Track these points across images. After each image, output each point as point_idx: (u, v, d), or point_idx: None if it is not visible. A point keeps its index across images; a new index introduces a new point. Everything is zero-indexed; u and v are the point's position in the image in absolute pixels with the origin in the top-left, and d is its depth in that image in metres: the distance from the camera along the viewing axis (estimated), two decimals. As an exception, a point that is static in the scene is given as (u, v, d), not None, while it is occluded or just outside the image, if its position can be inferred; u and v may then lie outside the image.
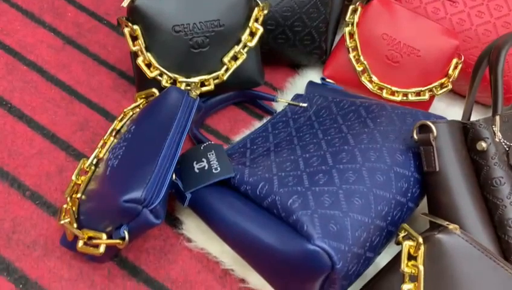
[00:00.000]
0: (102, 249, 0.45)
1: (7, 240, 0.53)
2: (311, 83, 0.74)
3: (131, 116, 0.57)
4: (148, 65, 0.64)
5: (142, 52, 0.63)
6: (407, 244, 0.46)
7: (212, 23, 0.63)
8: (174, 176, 0.52)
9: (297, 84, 0.79)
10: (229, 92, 0.71)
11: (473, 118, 0.55)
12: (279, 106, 0.74)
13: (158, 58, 0.64)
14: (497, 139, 0.51)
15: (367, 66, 0.75)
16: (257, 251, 0.47)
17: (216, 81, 0.66)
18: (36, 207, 0.56)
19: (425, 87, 0.75)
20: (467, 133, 0.53)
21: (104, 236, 0.45)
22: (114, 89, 0.71)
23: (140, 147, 0.47)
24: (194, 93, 0.52)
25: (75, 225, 0.48)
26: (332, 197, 0.47)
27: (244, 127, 0.71)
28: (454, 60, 0.75)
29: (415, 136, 0.53)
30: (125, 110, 0.57)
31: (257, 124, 0.72)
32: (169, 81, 0.64)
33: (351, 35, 0.76)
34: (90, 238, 0.46)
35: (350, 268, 0.44)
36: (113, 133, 0.56)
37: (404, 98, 0.76)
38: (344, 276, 0.44)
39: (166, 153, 0.46)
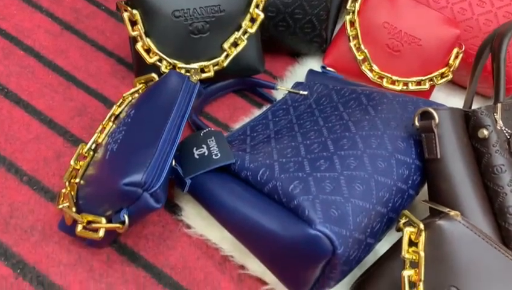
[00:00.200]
0: (101, 233, 0.44)
1: (5, 225, 0.52)
2: (311, 72, 0.74)
3: (130, 101, 0.57)
4: (148, 50, 0.63)
5: (141, 37, 0.62)
6: (408, 230, 0.46)
7: (213, 8, 0.63)
8: (173, 162, 0.51)
9: (297, 72, 0.79)
10: (228, 79, 0.71)
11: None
12: (279, 94, 0.73)
13: (157, 44, 0.63)
14: (498, 127, 0.51)
15: (367, 55, 0.75)
16: (258, 237, 0.47)
17: (216, 67, 0.66)
18: (34, 192, 0.55)
19: (426, 77, 0.75)
20: (468, 121, 0.53)
21: (104, 220, 0.45)
22: (112, 75, 0.70)
23: (140, 131, 0.46)
24: (195, 78, 0.51)
25: (74, 209, 0.47)
26: (334, 183, 0.46)
27: (244, 115, 0.71)
28: (455, 50, 0.74)
29: (417, 123, 0.52)
30: (124, 95, 0.56)
31: (257, 112, 0.71)
32: (168, 67, 0.63)
33: (352, 23, 0.76)
34: (89, 222, 0.46)
35: (351, 253, 0.44)
36: (112, 119, 0.56)
37: (405, 87, 0.75)
38: (345, 261, 0.44)
39: (166, 137, 0.45)
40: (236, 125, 0.69)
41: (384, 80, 0.75)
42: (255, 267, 0.53)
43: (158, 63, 0.63)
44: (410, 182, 0.51)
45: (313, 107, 0.63)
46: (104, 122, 0.55)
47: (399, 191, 0.50)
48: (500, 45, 0.54)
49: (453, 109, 0.52)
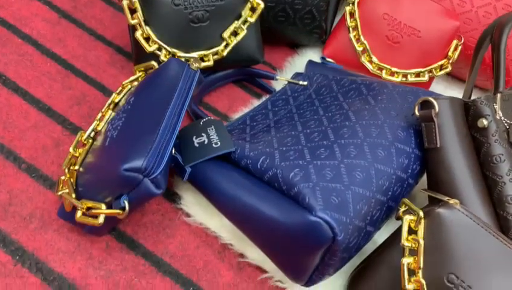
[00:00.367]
0: (101, 219, 0.44)
1: (3, 212, 0.52)
2: (311, 62, 0.73)
3: (130, 89, 0.57)
4: (147, 39, 0.63)
5: (140, 25, 0.62)
6: (407, 218, 0.46)
7: (213, -3, 0.62)
8: (173, 150, 0.51)
9: (297, 63, 0.79)
10: (228, 69, 0.70)
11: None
12: (278, 85, 0.73)
13: (157, 32, 0.62)
14: (497, 117, 0.51)
15: (367, 46, 0.75)
16: (258, 224, 0.47)
17: (215, 57, 0.65)
18: (32, 180, 0.55)
19: (425, 68, 0.75)
20: (468, 111, 0.53)
21: (104, 206, 0.45)
22: (111, 65, 0.70)
23: (141, 118, 0.46)
24: (195, 65, 0.51)
25: (73, 195, 0.47)
26: (334, 171, 0.46)
27: (243, 106, 0.71)
28: (455, 42, 0.74)
29: (417, 113, 0.52)
30: (123, 83, 0.56)
31: (256, 103, 0.71)
32: (167, 56, 0.63)
33: (352, 14, 0.76)
34: (88, 208, 0.45)
35: (351, 241, 0.44)
36: (111, 106, 0.55)
37: (404, 79, 0.75)
38: (345, 248, 0.44)
39: (167, 123, 0.45)
40: (236, 116, 0.69)
41: (384, 71, 0.75)
42: (255, 255, 0.54)
43: (157, 52, 0.63)
44: (409, 171, 0.52)
45: (313, 97, 0.63)
46: (103, 110, 0.55)
47: (398, 180, 0.50)
48: (500, 35, 0.54)
49: (453, 99, 0.52)
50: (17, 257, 0.49)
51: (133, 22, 0.61)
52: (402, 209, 0.48)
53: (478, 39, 0.58)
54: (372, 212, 0.47)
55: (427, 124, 0.52)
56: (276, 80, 0.71)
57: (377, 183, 0.47)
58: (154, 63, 0.58)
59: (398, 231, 0.49)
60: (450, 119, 0.51)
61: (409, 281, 0.45)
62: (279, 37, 0.79)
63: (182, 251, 0.54)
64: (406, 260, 0.45)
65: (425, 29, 0.73)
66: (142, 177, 0.43)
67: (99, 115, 0.55)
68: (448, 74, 0.84)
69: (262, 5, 0.64)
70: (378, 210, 0.48)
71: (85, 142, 0.53)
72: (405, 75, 0.75)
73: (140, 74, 0.57)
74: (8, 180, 0.55)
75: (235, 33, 0.65)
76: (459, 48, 0.74)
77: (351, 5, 0.75)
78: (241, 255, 0.54)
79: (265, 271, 0.53)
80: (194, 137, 0.55)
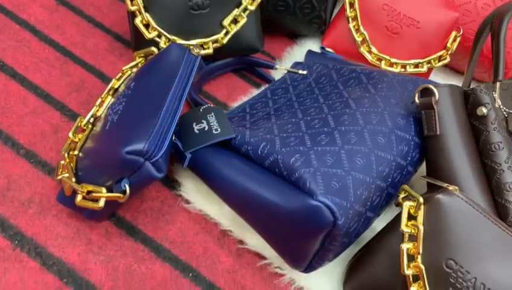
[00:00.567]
0: (102, 203, 0.44)
1: (2, 197, 0.52)
2: (310, 52, 0.73)
3: (130, 75, 0.56)
4: (147, 26, 0.62)
5: (140, 12, 0.61)
6: (407, 204, 0.46)
7: (213, -16, 0.62)
8: (173, 136, 0.51)
9: (296, 53, 0.78)
10: (227, 58, 0.70)
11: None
12: (277, 74, 0.73)
13: (156, 19, 0.62)
14: (496, 105, 0.52)
15: (366, 37, 0.75)
16: (258, 210, 0.47)
17: (215, 44, 0.65)
18: (31, 165, 0.55)
19: (424, 59, 0.75)
20: (467, 99, 0.53)
21: (104, 190, 0.44)
22: (110, 52, 0.70)
23: (142, 102, 0.46)
24: (196, 50, 0.51)
25: (73, 180, 0.47)
26: (334, 157, 0.47)
27: (242, 95, 0.71)
28: (453, 33, 0.75)
29: (417, 100, 0.53)
30: (123, 68, 0.55)
31: (255, 92, 0.71)
32: (167, 43, 0.63)
33: (351, 4, 0.76)
34: (89, 192, 0.45)
35: (351, 225, 0.45)
36: (111, 92, 0.55)
37: (402, 69, 0.76)
38: (345, 233, 0.44)
39: (168, 107, 0.45)
40: (235, 105, 0.69)
41: (383, 62, 0.75)
42: (254, 242, 0.54)
43: (157, 39, 0.63)
44: (409, 158, 0.52)
45: (313, 86, 0.63)
46: (102, 96, 0.54)
47: (398, 167, 0.50)
48: (500, 24, 0.54)
49: (453, 87, 0.52)
50: (16, 242, 0.49)
51: (132, 8, 0.61)
52: (402, 195, 0.48)
53: (478, 28, 0.59)
54: (372, 198, 0.47)
55: (427, 111, 0.52)
56: (276, 69, 0.71)
57: (377, 169, 0.48)
58: (154, 49, 0.57)
59: (397, 218, 0.49)
60: (449, 107, 0.52)
61: (408, 266, 0.45)
62: (279, 26, 0.79)
63: (182, 237, 0.54)
64: (406, 246, 0.45)
65: (424, 20, 0.74)
66: (144, 160, 0.43)
67: (99, 100, 0.54)
68: (446, 66, 0.85)
69: (262, -7, 0.64)
70: (378, 196, 0.48)
71: (84, 127, 0.53)
72: (404, 66, 0.75)
73: (140, 59, 0.57)
74: (7, 165, 0.54)
75: (235, 21, 0.65)
76: (458, 39, 0.75)
77: (350, -5, 0.75)
78: (241, 242, 0.54)
79: (264, 258, 0.54)
80: (194, 124, 0.54)
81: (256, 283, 0.52)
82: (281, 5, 0.74)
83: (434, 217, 0.45)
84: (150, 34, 0.62)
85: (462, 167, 0.51)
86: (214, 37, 0.64)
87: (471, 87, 0.58)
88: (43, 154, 0.56)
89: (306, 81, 0.66)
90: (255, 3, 0.65)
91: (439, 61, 0.75)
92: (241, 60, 0.71)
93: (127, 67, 0.56)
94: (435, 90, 0.51)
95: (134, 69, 0.57)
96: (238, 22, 0.65)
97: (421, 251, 0.45)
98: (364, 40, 0.76)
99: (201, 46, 0.64)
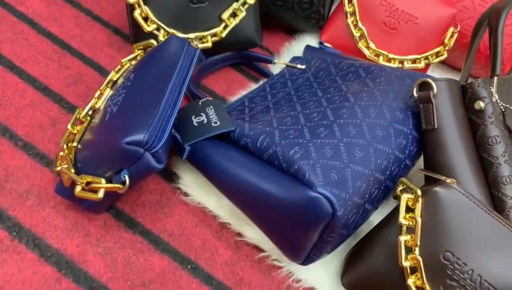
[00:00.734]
0: (101, 193, 0.44)
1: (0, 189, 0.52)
2: (309, 47, 0.74)
3: (128, 68, 0.56)
4: (145, 19, 0.62)
5: (139, 4, 0.61)
6: (405, 197, 0.47)
7: (212, -23, 0.62)
8: (172, 129, 0.51)
9: (294, 49, 0.79)
10: (226, 52, 0.70)
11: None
12: (275, 69, 0.73)
13: (155, 12, 0.62)
14: (494, 100, 0.52)
15: (365, 32, 0.75)
16: (258, 202, 0.47)
17: (214, 38, 0.65)
18: (29, 157, 0.55)
19: (421, 55, 0.75)
20: (465, 94, 0.54)
21: (103, 181, 0.44)
22: (108, 45, 0.69)
23: (141, 93, 0.46)
24: (196, 43, 0.51)
25: (72, 171, 0.47)
26: (333, 149, 0.47)
27: (241, 89, 0.71)
28: (451, 29, 0.75)
29: (415, 94, 0.53)
30: (122, 61, 0.55)
31: (253, 86, 0.71)
32: (166, 36, 0.63)
33: (350, 0, 0.76)
34: (88, 183, 0.45)
35: (350, 217, 0.45)
36: (110, 85, 0.55)
37: (400, 65, 0.76)
38: (344, 224, 0.44)
39: (168, 98, 0.45)
40: (233, 99, 0.69)
41: (381, 57, 0.76)
42: (252, 235, 0.54)
43: (156, 32, 0.62)
44: (407, 151, 0.52)
45: (311, 80, 0.63)
46: (101, 88, 0.54)
47: (396, 160, 0.51)
48: (498, 19, 0.55)
49: (451, 80, 0.53)
50: (14, 233, 0.49)
51: (131, 1, 0.61)
52: (400, 188, 0.49)
53: (476, 23, 0.59)
54: (371, 190, 0.47)
55: (425, 105, 0.52)
56: (274, 63, 0.71)
57: (375, 162, 0.48)
58: (153, 41, 0.57)
59: (395, 211, 0.49)
60: (447, 101, 0.52)
61: (406, 258, 0.46)
62: (277, 21, 0.79)
63: (180, 229, 0.54)
64: (403, 238, 0.46)
65: (422, 16, 0.74)
66: (143, 151, 0.42)
67: (98, 93, 0.54)
68: (443, 63, 0.85)
69: (261, -13, 0.64)
70: (376, 189, 0.48)
71: (83, 119, 0.53)
72: (401, 62, 0.76)
73: (139, 52, 0.56)
74: (5, 157, 0.54)
75: (234, 15, 0.65)
76: (455, 35, 0.75)
77: (349, -10, 0.76)
78: (239, 235, 0.54)
79: (262, 250, 0.54)
80: (193, 117, 0.54)
81: (254, 275, 0.52)
82: (279, 0, 0.74)
83: (432, 210, 0.46)
84: (148, 27, 0.62)
85: (459, 160, 0.52)
86: (213, 31, 0.64)
87: (468, 81, 0.58)
88: (41, 146, 0.56)
89: (304, 75, 0.66)
90: (254, -3, 0.65)
91: (436, 57, 0.76)
92: (240, 54, 0.71)
93: (125, 59, 0.56)
94: (433, 84, 0.51)
95: (133, 62, 0.57)
96: (237, 15, 0.65)
97: (418, 243, 0.45)
98: (362, 36, 0.76)
99: (200, 39, 0.64)
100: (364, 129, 0.50)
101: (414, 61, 0.76)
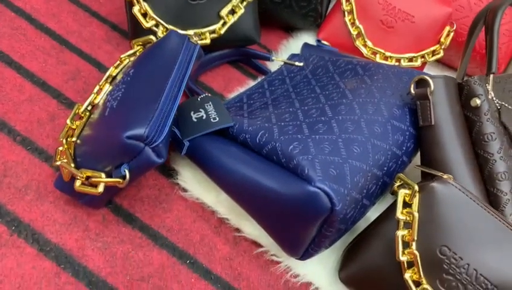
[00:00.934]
0: (101, 188, 0.44)
1: (-2, 184, 0.52)
2: (306, 45, 0.74)
3: (127, 63, 0.56)
4: (144, 15, 0.62)
5: (138, 1, 0.61)
6: (402, 192, 0.47)
7: (211, -26, 0.62)
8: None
9: (291, 46, 0.79)
10: (224, 49, 0.70)
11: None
12: (273, 66, 0.74)
13: (154, 8, 0.62)
14: (489, 97, 0.53)
15: (362, 30, 0.76)
16: (257, 197, 0.47)
17: (212, 35, 0.65)
18: (27, 153, 0.55)
19: (418, 54, 0.76)
20: (461, 91, 0.54)
21: (103, 175, 0.45)
22: (106, 41, 0.69)
23: (141, 88, 0.46)
24: (195, 38, 0.51)
25: (72, 165, 0.47)
26: (332, 145, 0.47)
27: (239, 86, 0.71)
28: (447, 28, 0.76)
29: (412, 91, 0.54)
30: (121, 56, 0.55)
31: (251, 83, 0.71)
32: (164, 32, 0.63)
33: (347, -2, 0.76)
34: (88, 177, 0.45)
35: (348, 212, 0.45)
36: (109, 80, 0.55)
37: (397, 63, 0.77)
38: (342, 219, 0.45)
39: (168, 93, 0.45)
40: (231, 96, 0.69)
41: (378, 55, 0.76)
42: (250, 230, 0.54)
43: (154, 28, 0.63)
44: (404, 148, 0.53)
45: (309, 77, 0.64)
46: (100, 84, 0.54)
47: (394, 156, 0.51)
48: (494, 17, 0.55)
49: (448, 78, 0.53)
50: (13, 228, 0.49)
51: (130, -3, 0.61)
52: (397, 183, 0.49)
53: (472, 21, 0.60)
54: (369, 185, 0.48)
55: (422, 102, 0.53)
56: (272, 60, 0.72)
57: (373, 157, 0.48)
58: (152, 37, 0.58)
59: (392, 207, 0.50)
60: (444, 98, 0.53)
61: (403, 253, 0.46)
62: (275, 19, 0.79)
63: (179, 225, 0.54)
64: (401, 233, 0.46)
65: (419, 14, 0.75)
66: (144, 145, 0.43)
67: (97, 88, 0.54)
68: (439, 62, 0.86)
69: (260, -16, 0.65)
70: (374, 184, 0.49)
71: (82, 114, 0.53)
72: (398, 60, 0.76)
73: (139, 48, 0.56)
74: (3, 152, 0.54)
75: (232, 12, 0.65)
76: (451, 34, 0.76)
77: (346, -12, 0.76)
78: (237, 230, 0.55)
79: (260, 245, 0.54)
80: (192, 112, 0.55)
81: (252, 270, 0.53)
82: (277, -2, 0.74)
83: (429, 205, 0.46)
84: (147, 24, 0.62)
85: (455, 157, 0.52)
86: (211, 28, 0.65)
87: (465, 79, 0.59)
88: (39, 141, 0.56)
89: (302, 72, 0.66)
90: (253, -6, 0.65)
91: (432, 56, 0.77)
92: (238, 51, 0.72)
93: (125, 55, 0.56)
94: (430, 81, 0.52)
95: (132, 58, 0.57)
96: (236, 12, 0.65)
97: (415, 238, 0.46)
98: (359, 34, 0.76)
99: (199, 35, 0.65)
100: (362, 125, 0.50)
101: (411, 59, 0.76)
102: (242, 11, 0.65)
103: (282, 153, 0.47)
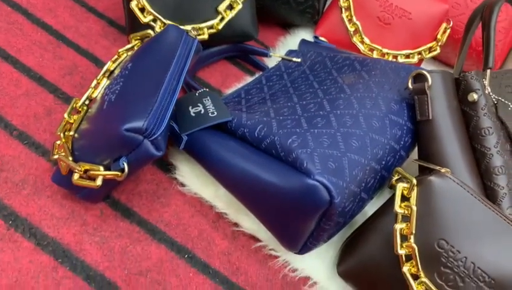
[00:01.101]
0: (99, 181, 0.44)
1: (-6, 178, 0.51)
2: (304, 41, 0.74)
3: (125, 58, 0.56)
4: (142, 10, 0.62)
5: (136, -5, 0.61)
6: (400, 186, 0.48)
7: (209, -31, 0.62)
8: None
9: (289, 43, 0.79)
10: (222, 44, 0.70)
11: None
12: (271, 62, 0.74)
13: (152, 3, 0.62)
14: (486, 92, 0.53)
15: (359, 27, 0.76)
16: (256, 191, 0.47)
17: (210, 30, 0.65)
18: (24, 147, 0.54)
19: (415, 50, 0.76)
20: (458, 86, 0.55)
21: (102, 168, 0.44)
22: (103, 37, 0.69)
23: (140, 81, 0.46)
24: (194, 33, 0.51)
25: (70, 158, 0.46)
26: (331, 139, 0.47)
27: (236, 82, 0.71)
28: (444, 25, 0.76)
29: (410, 86, 0.54)
30: (119, 50, 0.55)
31: (249, 79, 0.71)
32: (162, 28, 0.63)
33: (345, -5, 0.77)
34: (86, 171, 0.45)
35: (346, 205, 0.45)
36: (107, 74, 0.55)
37: (394, 60, 0.77)
38: (341, 212, 0.45)
39: (167, 86, 0.45)
40: (229, 92, 0.69)
41: (375, 52, 0.77)
42: (249, 224, 0.54)
43: (152, 23, 0.62)
44: (402, 142, 0.53)
45: (307, 72, 0.64)
46: (98, 78, 0.54)
47: (392, 150, 0.51)
48: (490, 13, 0.56)
49: (445, 72, 0.54)
50: (10, 222, 0.49)
51: (128, -9, 0.61)
52: (395, 177, 0.49)
53: (469, 17, 0.60)
54: (367, 179, 0.48)
55: (420, 96, 0.53)
56: (270, 56, 0.72)
57: (371, 151, 0.48)
58: (150, 31, 0.57)
59: (390, 201, 0.50)
60: (442, 92, 0.53)
61: (401, 246, 0.46)
62: (272, 16, 0.79)
63: (177, 219, 0.54)
64: (399, 226, 0.47)
65: (416, 11, 0.75)
66: (143, 138, 0.43)
67: (94, 82, 0.54)
68: (435, 59, 0.87)
69: (258, -20, 0.65)
70: (372, 178, 0.49)
71: (80, 109, 0.53)
72: (395, 56, 0.77)
73: (136, 42, 0.56)
74: (-1, 146, 0.54)
75: (230, 7, 0.65)
76: (448, 31, 0.76)
77: (344, -15, 0.76)
78: (236, 225, 0.55)
79: (259, 240, 0.54)
80: (190, 107, 0.55)
81: (250, 264, 0.53)
82: (275, -6, 0.74)
83: (426, 198, 0.47)
84: (145, 18, 0.62)
85: (453, 151, 0.53)
86: (209, 23, 0.65)
87: (462, 74, 0.59)
88: (36, 136, 0.55)
89: (300, 68, 0.66)
90: (251, -10, 0.65)
91: (429, 52, 0.77)
92: (236, 47, 0.71)
93: (123, 49, 0.56)
94: (428, 75, 0.52)
95: (130, 52, 0.57)
96: (234, 8, 0.65)
97: (413, 231, 0.46)
98: (356, 30, 0.77)
99: (197, 31, 0.64)
100: (361, 120, 0.50)
101: (408, 56, 0.77)
102: (240, 6, 0.65)
103: (281, 146, 0.47)
